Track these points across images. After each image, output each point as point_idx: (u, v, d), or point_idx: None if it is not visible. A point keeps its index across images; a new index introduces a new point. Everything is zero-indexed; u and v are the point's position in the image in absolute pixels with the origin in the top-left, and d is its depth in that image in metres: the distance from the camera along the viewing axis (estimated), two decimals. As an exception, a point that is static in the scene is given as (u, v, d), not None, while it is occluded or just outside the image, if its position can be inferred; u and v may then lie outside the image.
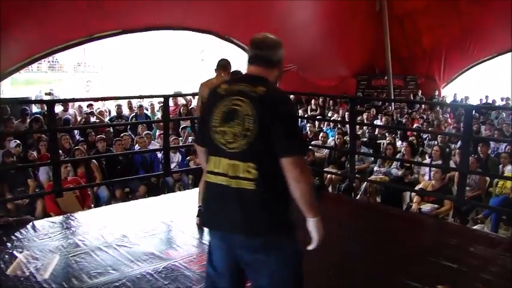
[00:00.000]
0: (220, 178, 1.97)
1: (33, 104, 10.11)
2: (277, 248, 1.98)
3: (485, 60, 13.55)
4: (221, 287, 2.09)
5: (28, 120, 8.15)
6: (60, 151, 5.93)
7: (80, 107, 9.80)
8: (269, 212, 1.96)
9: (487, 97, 13.47)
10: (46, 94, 12.63)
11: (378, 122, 10.29)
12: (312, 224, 2.01)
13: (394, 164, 6.94)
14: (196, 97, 4.88)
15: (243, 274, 2.07)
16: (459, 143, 7.37)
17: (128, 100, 10.09)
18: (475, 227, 5.63)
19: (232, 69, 4.32)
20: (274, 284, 2.00)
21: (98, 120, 9.04)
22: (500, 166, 6.68)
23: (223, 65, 4.20)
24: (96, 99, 11.03)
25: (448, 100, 13.65)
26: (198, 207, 4.12)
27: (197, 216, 4.19)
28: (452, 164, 6.55)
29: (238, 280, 2.09)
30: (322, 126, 9.64)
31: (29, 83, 18.26)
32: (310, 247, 2.04)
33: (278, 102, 1.98)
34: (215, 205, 2.03)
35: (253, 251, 1.98)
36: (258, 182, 1.92)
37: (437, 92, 14.22)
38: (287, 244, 2.01)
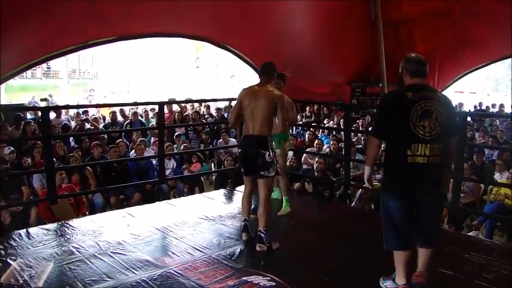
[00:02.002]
0: (420, 158, 2.84)
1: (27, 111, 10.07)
2: (441, 195, 3.22)
3: (478, 68, 13.66)
4: (402, 229, 3.01)
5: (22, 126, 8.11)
6: (54, 158, 5.89)
7: (77, 114, 9.79)
8: (442, 173, 2.99)
9: (480, 104, 13.56)
10: (42, 100, 12.57)
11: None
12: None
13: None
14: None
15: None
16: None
17: (120, 108, 10.06)
18: (469, 234, 5.65)
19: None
20: (436, 222, 3.11)
21: (92, 127, 9.00)
22: (496, 173, 6.69)
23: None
24: (91, 106, 11.01)
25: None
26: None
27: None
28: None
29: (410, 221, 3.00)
30: (317, 133, 9.65)
31: (24, 90, 18.16)
32: None
33: (450, 102, 2.99)
34: (413, 177, 2.88)
35: (432, 199, 2.95)
36: (441, 156, 2.87)
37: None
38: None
